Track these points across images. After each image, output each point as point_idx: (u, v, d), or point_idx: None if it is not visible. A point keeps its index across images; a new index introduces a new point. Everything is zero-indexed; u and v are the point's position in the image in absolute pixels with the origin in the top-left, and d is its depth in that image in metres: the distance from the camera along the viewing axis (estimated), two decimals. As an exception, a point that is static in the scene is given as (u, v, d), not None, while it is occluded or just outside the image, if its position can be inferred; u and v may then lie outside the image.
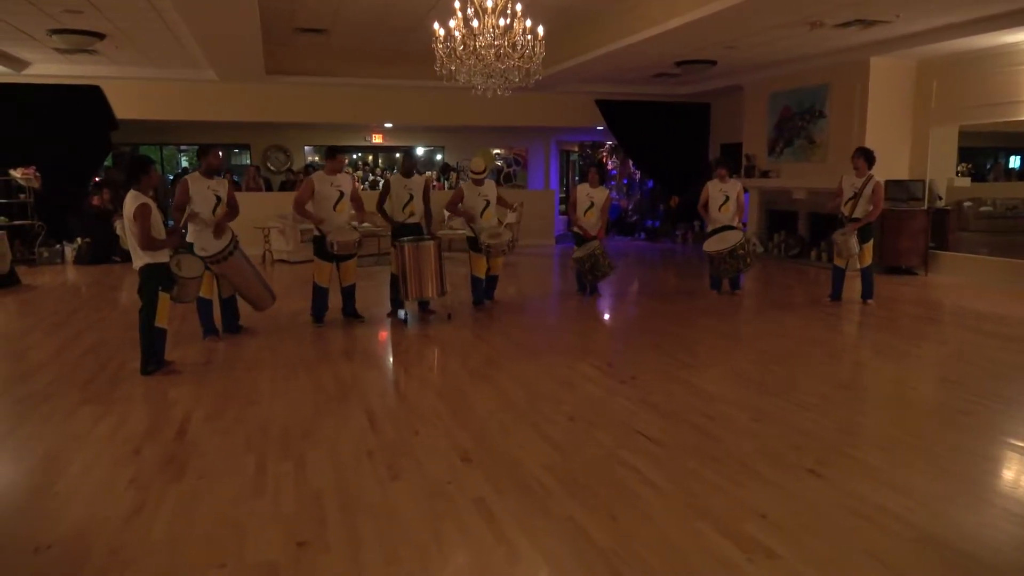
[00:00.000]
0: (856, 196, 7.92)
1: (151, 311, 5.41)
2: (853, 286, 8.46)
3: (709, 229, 8.80)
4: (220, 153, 6.57)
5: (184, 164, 16.54)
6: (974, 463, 3.86)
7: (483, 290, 8.14)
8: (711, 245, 8.49)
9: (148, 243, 5.27)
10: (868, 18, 8.46)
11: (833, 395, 5.10)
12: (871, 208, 7.87)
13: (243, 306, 6.89)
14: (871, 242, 8.01)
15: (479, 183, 7.86)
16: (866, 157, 7.93)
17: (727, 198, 8.61)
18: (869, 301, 8.13)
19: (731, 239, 8.35)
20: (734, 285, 8.96)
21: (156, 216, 5.36)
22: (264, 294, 6.79)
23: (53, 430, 4.38)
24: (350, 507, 3.33)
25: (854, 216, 7.95)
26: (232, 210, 6.47)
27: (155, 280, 5.42)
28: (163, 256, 5.47)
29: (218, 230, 6.25)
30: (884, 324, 7.42)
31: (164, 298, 5.48)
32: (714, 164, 8.95)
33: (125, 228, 5.36)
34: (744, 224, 13.02)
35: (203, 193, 6.23)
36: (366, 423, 4.46)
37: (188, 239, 6.17)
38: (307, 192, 6.98)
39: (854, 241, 7.89)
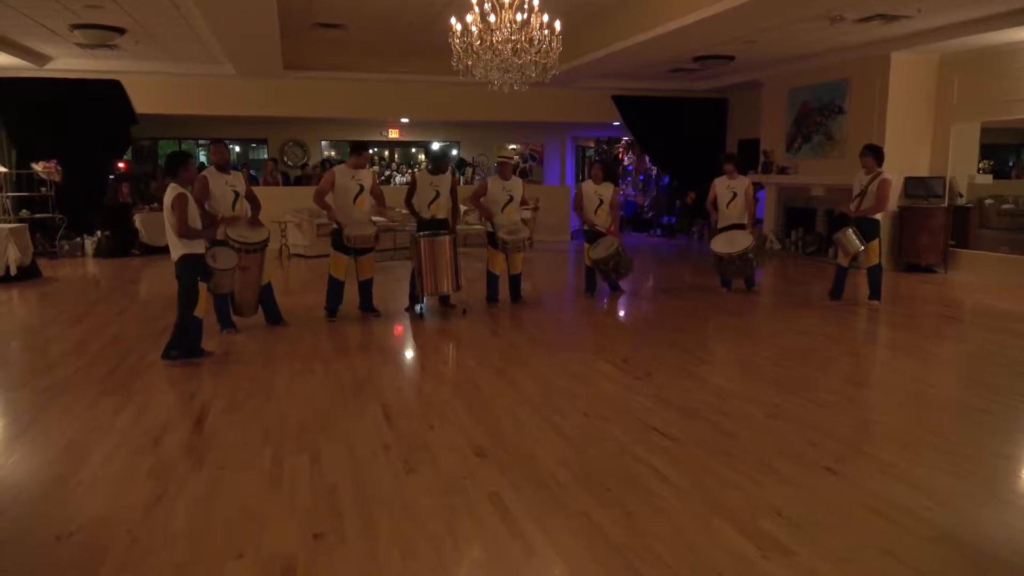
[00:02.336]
0: (862, 193, 7.78)
1: (191, 300, 5.56)
2: (863, 285, 8.36)
3: (718, 226, 8.72)
4: (223, 149, 6.69)
5: (203, 159, 16.64)
6: (994, 461, 3.82)
7: (510, 291, 8.06)
8: (719, 246, 8.39)
9: (185, 231, 5.45)
10: (890, 13, 8.37)
11: (851, 392, 5.07)
12: (873, 204, 7.69)
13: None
14: (876, 241, 7.76)
15: (505, 177, 7.85)
16: (874, 154, 7.78)
17: (735, 195, 8.54)
18: (874, 302, 7.90)
19: (740, 242, 8.25)
20: (749, 284, 8.88)
21: (193, 207, 5.57)
22: (252, 305, 6.80)
23: (74, 421, 4.43)
24: (366, 500, 3.35)
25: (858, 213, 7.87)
26: (254, 204, 6.73)
27: (193, 270, 5.58)
28: (199, 247, 5.65)
29: (252, 221, 6.57)
30: (903, 322, 7.35)
31: (202, 288, 5.65)
32: (722, 160, 8.85)
33: (165, 219, 5.55)
34: (760, 221, 13.01)
35: (221, 188, 6.40)
36: (382, 417, 4.49)
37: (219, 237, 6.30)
38: (328, 184, 7.06)
39: (852, 236, 7.73)
